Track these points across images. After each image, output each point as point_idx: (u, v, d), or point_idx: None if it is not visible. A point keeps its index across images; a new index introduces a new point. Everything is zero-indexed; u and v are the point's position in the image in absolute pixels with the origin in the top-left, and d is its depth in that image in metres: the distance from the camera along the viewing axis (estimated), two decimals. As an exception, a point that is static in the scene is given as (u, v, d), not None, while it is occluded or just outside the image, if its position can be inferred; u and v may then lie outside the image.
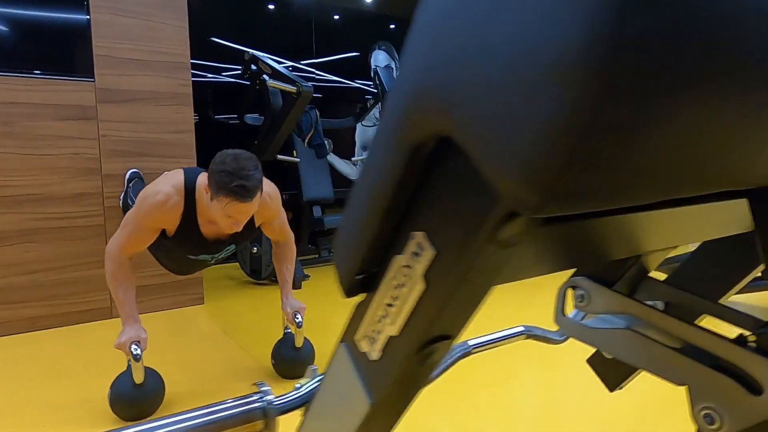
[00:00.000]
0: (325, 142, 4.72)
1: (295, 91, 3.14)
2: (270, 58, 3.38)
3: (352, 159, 4.55)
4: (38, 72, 2.38)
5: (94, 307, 2.56)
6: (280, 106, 3.32)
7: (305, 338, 1.83)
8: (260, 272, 3.30)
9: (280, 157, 3.75)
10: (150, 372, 1.50)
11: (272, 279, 3.38)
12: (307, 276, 3.46)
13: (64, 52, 2.47)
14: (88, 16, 2.45)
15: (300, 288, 3.18)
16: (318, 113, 4.07)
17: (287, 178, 4.69)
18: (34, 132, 2.38)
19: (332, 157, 4.68)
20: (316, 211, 3.93)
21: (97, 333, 2.39)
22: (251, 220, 1.64)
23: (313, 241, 3.98)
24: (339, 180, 4.64)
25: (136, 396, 1.45)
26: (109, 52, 2.52)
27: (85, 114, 2.48)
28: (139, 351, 1.42)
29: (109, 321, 2.55)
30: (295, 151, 3.91)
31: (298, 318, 1.73)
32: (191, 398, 1.64)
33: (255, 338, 2.26)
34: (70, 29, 2.47)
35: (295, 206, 4.49)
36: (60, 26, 2.46)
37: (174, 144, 2.72)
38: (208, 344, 2.23)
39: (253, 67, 3.41)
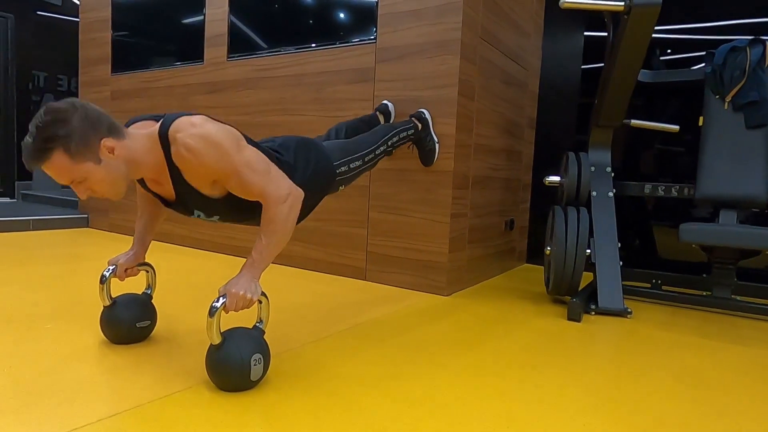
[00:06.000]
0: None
1: (622, 7, 1.97)
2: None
3: None
4: (339, 42, 2.64)
5: (352, 264, 2.64)
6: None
7: (248, 343, 1.24)
8: (548, 283, 2.33)
9: (634, 122, 2.44)
10: None
11: (560, 299, 2.33)
12: (629, 311, 2.13)
13: (355, 18, 2.60)
14: (377, -23, 2.47)
15: (620, 314, 2.01)
16: (772, 49, 2.34)
17: (665, 159, 2.94)
18: (331, 96, 2.67)
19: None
20: (726, 217, 2.32)
21: (350, 285, 2.45)
22: (180, 179, 1.26)
23: (708, 268, 2.32)
24: None
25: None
26: (389, 9, 2.44)
27: (364, 76, 2.54)
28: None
29: (360, 282, 2.56)
30: (702, 117, 2.43)
31: (215, 303, 1.19)
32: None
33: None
34: (363, -5, 2.56)
35: (680, 206, 2.75)
36: (356, -6, 2.60)
37: (433, 101, 2.33)
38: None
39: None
